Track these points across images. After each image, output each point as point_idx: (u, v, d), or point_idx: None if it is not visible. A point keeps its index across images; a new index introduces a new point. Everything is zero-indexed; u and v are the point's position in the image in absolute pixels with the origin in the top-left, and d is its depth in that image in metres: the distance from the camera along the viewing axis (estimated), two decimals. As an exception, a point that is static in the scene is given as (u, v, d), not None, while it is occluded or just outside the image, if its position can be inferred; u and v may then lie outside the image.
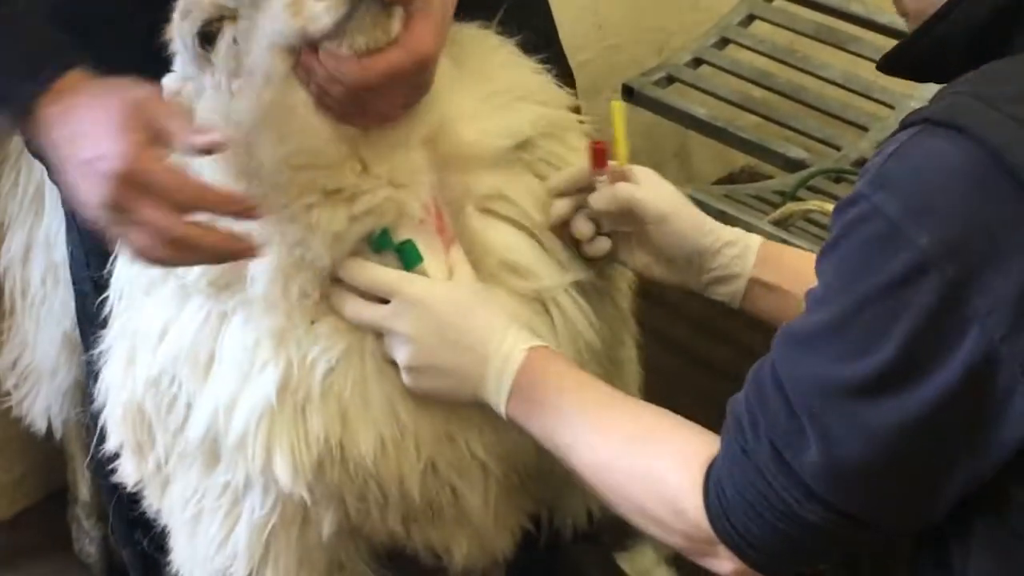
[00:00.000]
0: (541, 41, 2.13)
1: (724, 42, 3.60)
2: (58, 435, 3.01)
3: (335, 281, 1.89)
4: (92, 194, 1.71)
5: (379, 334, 1.89)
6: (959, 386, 1.40)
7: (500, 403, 1.81)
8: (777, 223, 2.79)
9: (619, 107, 1.99)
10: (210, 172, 1.83)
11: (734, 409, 1.58)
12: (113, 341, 2.08)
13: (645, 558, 3.07)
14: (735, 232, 1.97)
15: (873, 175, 1.45)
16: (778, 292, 1.93)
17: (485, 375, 1.82)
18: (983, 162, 1.39)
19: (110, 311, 2.09)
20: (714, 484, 1.59)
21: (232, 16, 1.82)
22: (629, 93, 3.40)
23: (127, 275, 2.04)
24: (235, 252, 1.76)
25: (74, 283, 2.36)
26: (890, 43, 3.42)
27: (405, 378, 1.87)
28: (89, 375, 2.45)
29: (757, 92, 3.62)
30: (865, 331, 1.44)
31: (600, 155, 1.95)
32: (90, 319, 2.27)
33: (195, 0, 1.84)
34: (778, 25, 3.65)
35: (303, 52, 1.76)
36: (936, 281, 1.39)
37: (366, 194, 1.84)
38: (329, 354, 1.87)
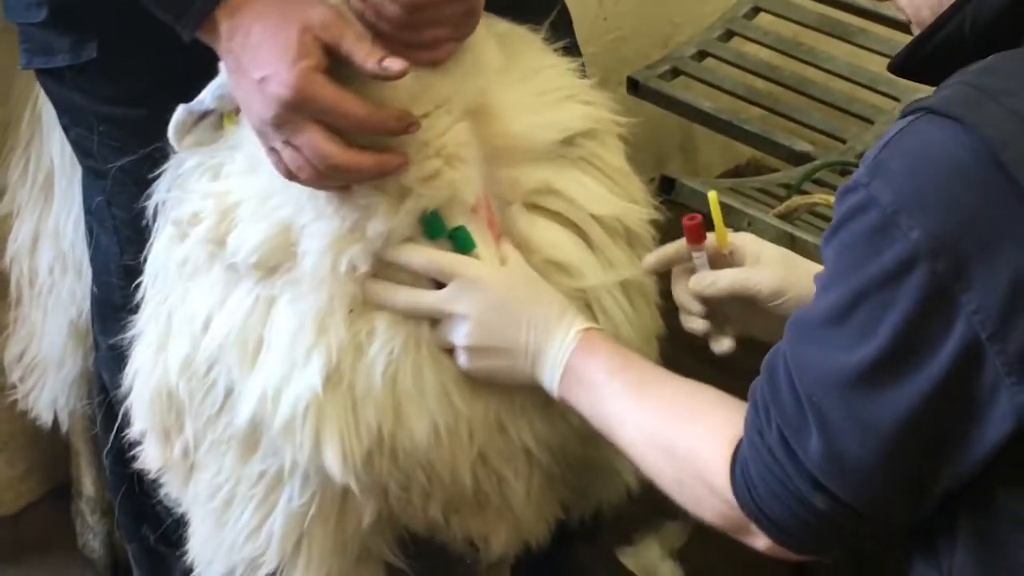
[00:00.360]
0: (561, 32, 2.16)
1: (729, 34, 3.59)
2: (64, 428, 2.99)
3: (383, 273, 1.90)
4: (260, 111, 1.78)
5: (433, 322, 1.91)
6: (946, 380, 1.41)
7: (554, 384, 1.84)
8: (782, 216, 2.77)
9: (715, 197, 1.95)
10: None
11: (753, 393, 1.60)
12: (145, 325, 2.08)
13: (650, 553, 3.07)
14: None
15: (871, 162, 1.45)
16: None
17: (541, 356, 1.85)
18: (979, 156, 1.39)
19: (142, 296, 2.09)
20: (740, 464, 1.61)
21: None
22: (634, 86, 3.39)
23: (163, 259, 2.04)
24: (386, 171, 1.82)
25: (97, 272, 2.34)
26: (895, 35, 3.45)
27: (462, 359, 1.89)
28: (101, 364, 2.45)
29: (762, 85, 3.61)
30: (860, 322, 1.45)
31: (696, 231, 1.90)
32: (115, 307, 2.27)
33: None
34: (783, 17, 3.64)
35: None
36: (926, 275, 1.40)
37: (416, 164, 1.85)
38: (389, 346, 1.89)
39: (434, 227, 1.88)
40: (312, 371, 1.87)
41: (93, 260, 2.35)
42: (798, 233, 2.69)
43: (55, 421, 2.96)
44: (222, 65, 1.89)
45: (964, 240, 1.39)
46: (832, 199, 2.73)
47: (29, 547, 3.19)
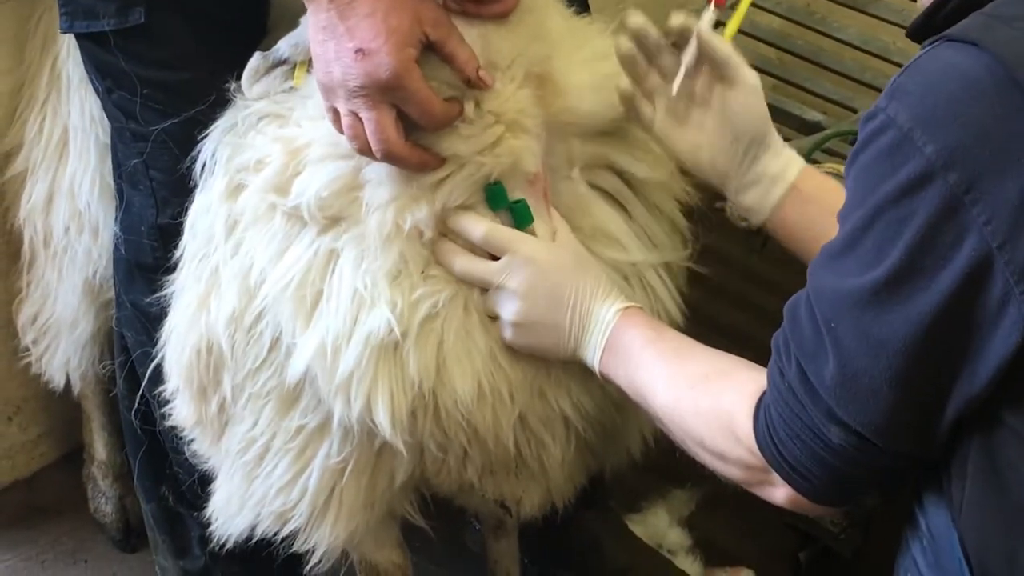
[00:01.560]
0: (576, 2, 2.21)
1: (741, 3, 3.57)
2: (76, 390, 3.00)
3: (444, 236, 1.95)
4: (344, 76, 1.81)
5: (484, 289, 1.96)
6: (957, 293, 1.44)
7: (595, 360, 1.91)
8: (792, 186, 2.77)
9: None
10: None
11: (776, 340, 1.65)
12: (184, 283, 2.10)
13: (658, 520, 3.08)
14: (790, 149, 2.02)
15: (890, 87, 1.50)
16: (815, 205, 1.96)
17: (585, 334, 1.92)
18: (994, 74, 1.43)
19: (180, 255, 2.11)
20: (763, 411, 1.65)
21: None
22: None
23: (210, 216, 2.05)
24: (424, 170, 1.89)
25: (127, 233, 2.35)
26: (908, 4, 3.43)
27: (508, 333, 1.95)
28: (125, 324, 2.46)
29: (774, 54, 3.61)
30: (876, 241, 1.48)
31: None
32: (145, 267, 2.30)
33: None
34: (796, -14, 3.64)
35: None
36: (939, 188, 1.43)
37: (475, 136, 1.90)
38: (434, 298, 1.93)
39: (497, 198, 1.93)
40: (375, 329, 1.90)
41: (122, 221, 2.36)
42: (808, 203, 2.69)
43: (67, 385, 2.97)
44: (304, 19, 1.91)
45: (977, 153, 1.42)
46: (842, 168, 2.74)
47: (42, 511, 3.19)
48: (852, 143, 3.02)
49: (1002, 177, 1.41)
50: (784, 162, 1.99)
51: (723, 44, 1.97)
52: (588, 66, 2.03)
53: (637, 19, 2.00)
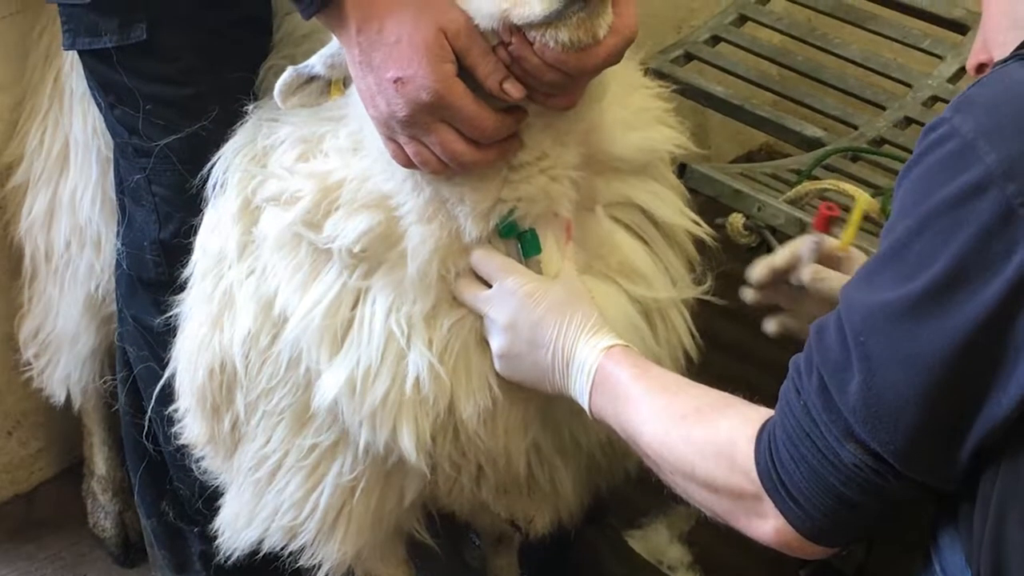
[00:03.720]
0: None
1: (742, 19, 3.58)
2: (76, 404, 3.00)
3: None
4: (390, 108, 1.81)
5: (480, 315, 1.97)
6: (1000, 307, 1.42)
7: (584, 398, 1.89)
8: (792, 202, 2.77)
9: (864, 200, 2.03)
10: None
11: (794, 361, 1.62)
12: (195, 303, 2.11)
13: (659, 536, 3.08)
14: None
15: (958, 99, 1.50)
16: None
17: (569, 372, 1.90)
18: None
19: (190, 273, 2.12)
20: (767, 433, 1.62)
21: None
22: (647, 72, 3.38)
23: (224, 237, 2.06)
24: (506, 158, 1.89)
25: (129, 248, 2.36)
26: (909, 21, 3.42)
27: (497, 364, 1.96)
28: (127, 339, 2.46)
29: (775, 70, 3.60)
30: (921, 251, 1.47)
31: (825, 221, 1.99)
32: (147, 282, 2.31)
33: None
34: (796, 3, 3.63)
35: (515, 39, 1.79)
36: (995, 198, 1.42)
37: (519, 182, 1.91)
38: (459, 331, 1.97)
39: (509, 227, 1.94)
40: (416, 360, 1.93)
41: (124, 236, 2.36)
42: (807, 218, 2.69)
43: (68, 400, 2.97)
44: (335, 40, 1.90)
45: None
46: (843, 184, 2.74)
47: (42, 525, 3.19)
48: (853, 159, 3.06)
49: None
50: None
51: (832, 286, 1.94)
52: (617, 101, 2.04)
53: (759, 270, 2.01)
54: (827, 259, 1.98)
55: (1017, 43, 1.56)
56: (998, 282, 1.42)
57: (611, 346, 1.89)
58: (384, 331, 1.94)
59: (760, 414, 1.67)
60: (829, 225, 1.99)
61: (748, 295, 2.04)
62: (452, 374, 1.96)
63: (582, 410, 1.94)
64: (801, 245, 1.99)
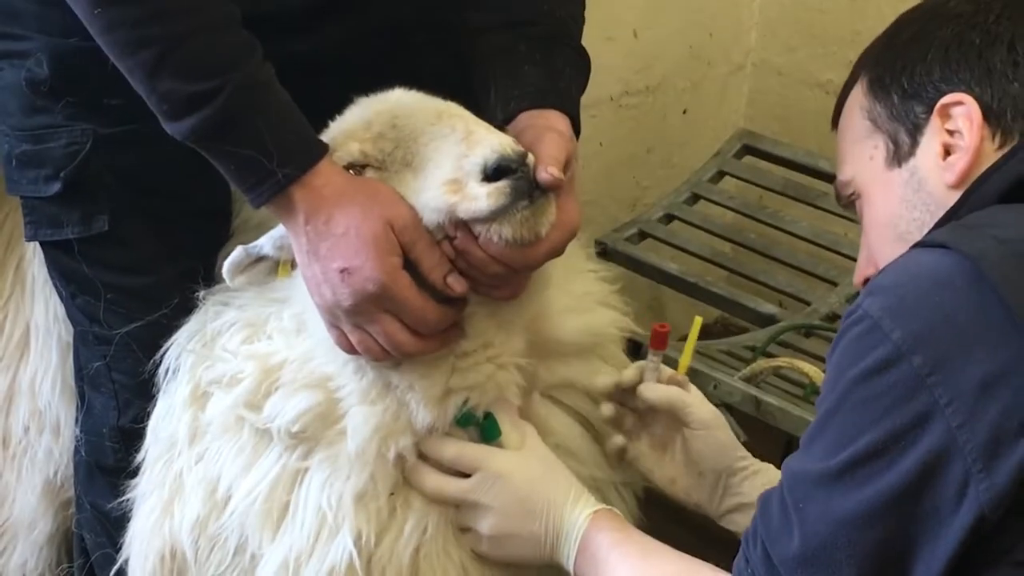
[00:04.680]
0: None
1: (695, 198, 3.65)
2: (32, 595, 2.97)
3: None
4: (336, 297, 1.83)
5: (455, 505, 1.99)
6: (918, 474, 1.49)
7: (570, 564, 1.94)
8: (748, 379, 2.80)
9: (698, 322, 2.12)
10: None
11: (744, 534, 1.68)
12: (147, 488, 2.10)
13: None
14: (763, 463, 2.09)
15: (868, 286, 1.60)
16: None
17: (560, 540, 1.94)
18: (961, 268, 1.52)
19: (143, 459, 2.12)
20: None
21: (378, 167, 1.90)
22: (602, 249, 3.44)
23: (174, 422, 2.06)
24: (447, 346, 1.92)
25: (88, 435, 2.35)
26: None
27: (484, 546, 1.99)
28: (85, 526, 2.43)
29: (728, 247, 3.66)
30: (842, 423, 1.55)
31: (661, 337, 2.07)
32: (106, 469, 2.30)
33: (343, 140, 1.92)
34: (748, 182, 3.71)
35: (460, 233, 1.84)
36: (904, 370, 1.50)
37: (466, 370, 1.94)
38: (423, 525, 1.97)
39: (466, 418, 1.97)
40: (341, 545, 1.93)
41: (83, 423, 2.36)
42: (763, 396, 2.72)
43: (23, 587, 2.93)
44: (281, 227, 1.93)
45: (940, 338, 1.50)
46: (797, 363, 2.78)
47: None
48: (806, 335, 3.09)
49: (965, 361, 1.48)
50: (762, 482, 2.04)
51: (663, 393, 2.08)
52: (562, 287, 2.08)
53: (604, 380, 2.09)
54: (672, 382, 2.10)
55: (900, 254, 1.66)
56: (914, 451, 1.49)
57: (595, 511, 1.94)
58: (317, 511, 1.94)
59: None
60: (666, 341, 2.06)
61: (604, 409, 2.12)
62: (421, 564, 1.97)
63: None
64: (644, 364, 2.10)
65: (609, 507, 1.98)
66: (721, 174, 3.71)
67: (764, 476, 2.06)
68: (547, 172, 1.84)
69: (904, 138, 1.83)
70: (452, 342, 1.92)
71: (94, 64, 1.98)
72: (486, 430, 1.99)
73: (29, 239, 2.25)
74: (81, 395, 2.38)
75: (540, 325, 2.04)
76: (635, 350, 2.87)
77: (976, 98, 1.77)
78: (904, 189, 1.82)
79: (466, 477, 1.98)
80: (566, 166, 1.92)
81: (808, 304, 3.29)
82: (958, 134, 1.77)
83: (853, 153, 1.92)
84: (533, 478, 1.97)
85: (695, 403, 2.07)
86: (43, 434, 2.70)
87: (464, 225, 1.83)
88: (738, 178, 3.73)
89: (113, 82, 1.93)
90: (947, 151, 1.78)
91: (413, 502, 1.98)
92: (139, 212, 2.16)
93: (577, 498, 1.96)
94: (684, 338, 2.21)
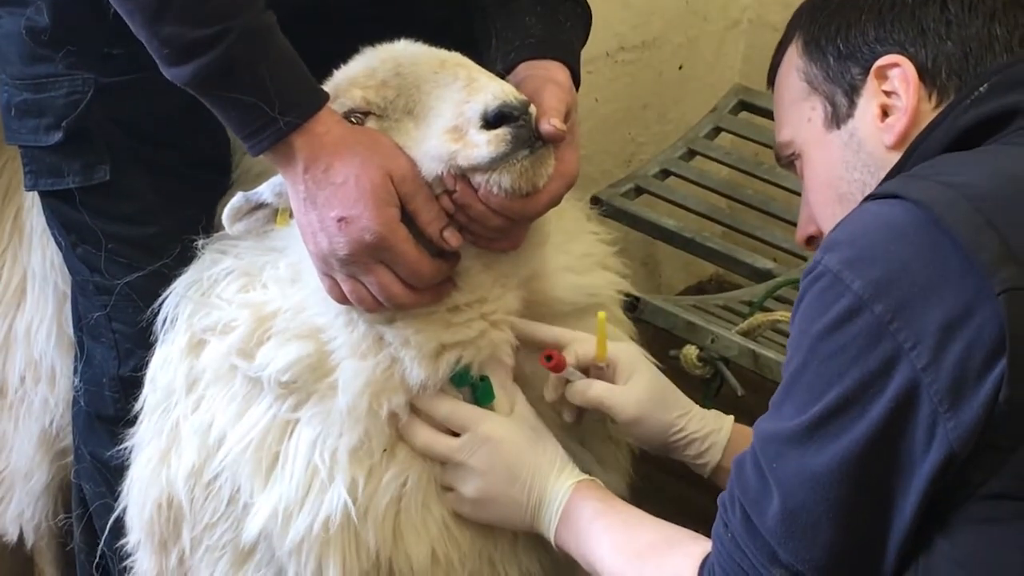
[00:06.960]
0: None
1: (691, 154, 3.64)
2: (29, 543, 2.96)
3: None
4: (332, 245, 1.83)
5: (441, 463, 2.00)
6: (889, 420, 1.51)
7: (551, 532, 1.95)
8: (745, 333, 2.81)
9: (603, 317, 2.07)
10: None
11: (720, 498, 1.70)
12: (145, 436, 2.11)
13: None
14: (704, 423, 2.08)
15: (824, 242, 1.60)
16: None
17: (541, 508, 1.96)
18: (913, 215, 1.53)
19: (140, 407, 2.12)
20: (707, 570, 1.70)
21: (380, 115, 1.90)
22: (598, 204, 3.43)
23: (172, 371, 2.07)
24: (440, 301, 1.92)
25: (87, 385, 2.35)
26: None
27: (466, 508, 2.00)
28: (83, 476, 2.44)
29: (724, 203, 3.66)
30: (810, 380, 1.56)
31: (559, 365, 2.01)
32: (106, 419, 2.31)
33: (346, 87, 1.92)
34: (743, 137, 3.71)
35: (459, 186, 1.84)
36: (866, 320, 1.51)
37: (460, 325, 1.94)
38: (403, 477, 1.97)
39: (461, 377, 1.98)
40: (333, 498, 1.93)
41: (83, 373, 2.36)
42: (760, 350, 2.72)
43: (20, 538, 2.93)
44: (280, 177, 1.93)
45: (899, 285, 1.51)
46: (794, 315, 2.78)
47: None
48: (802, 290, 3.09)
49: (924, 305, 1.50)
50: (705, 449, 2.08)
51: (588, 399, 2.03)
52: (561, 247, 2.09)
53: (548, 394, 2.07)
54: (596, 371, 2.06)
55: (843, 216, 1.66)
56: (883, 398, 1.51)
57: (578, 481, 1.96)
58: (306, 464, 1.95)
59: (704, 549, 1.74)
60: (562, 365, 2.02)
61: (565, 415, 2.11)
62: (401, 516, 1.97)
63: (519, 550, 2.05)
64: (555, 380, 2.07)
65: (592, 478, 1.99)
66: (717, 130, 3.70)
67: (706, 442, 2.07)
68: (549, 123, 1.84)
69: (841, 99, 1.85)
70: (444, 297, 1.93)
71: (95, 14, 1.98)
72: (481, 394, 2.00)
73: (29, 188, 2.25)
74: (80, 345, 2.38)
75: (537, 284, 2.04)
76: (632, 309, 2.90)
77: (911, 58, 1.79)
78: (844, 151, 1.84)
79: (456, 436, 1.99)
80: (566, 117, 1.92)
81: (804, 259, 3.29)
82: (895, 95, 1.79)
83: (791, 114, 1.93)
84: (520, 444, 1.98)
85: (617, 401, 2.03)
86: (39, 383, 2.71)
87: (464, 178, 1.84)
88: (734, 134, 3.73)
89: (114, 32, 1.92)
90: (885, 112, 1.80)
91: (398, 453, 1.99)
92: (140, 162, 2.16)
93: (562, 468, 1.97)
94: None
